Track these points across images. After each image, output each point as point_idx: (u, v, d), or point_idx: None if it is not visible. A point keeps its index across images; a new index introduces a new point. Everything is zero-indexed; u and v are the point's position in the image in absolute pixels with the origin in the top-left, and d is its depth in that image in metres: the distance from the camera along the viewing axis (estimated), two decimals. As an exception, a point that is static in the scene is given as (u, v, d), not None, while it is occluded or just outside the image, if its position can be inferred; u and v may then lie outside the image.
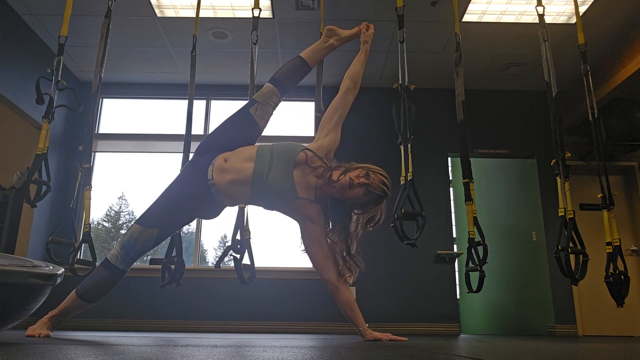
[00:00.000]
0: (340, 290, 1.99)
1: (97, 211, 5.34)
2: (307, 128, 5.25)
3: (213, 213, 2.09)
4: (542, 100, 3.39)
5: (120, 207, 5.48)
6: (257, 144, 2.13)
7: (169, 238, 2.91)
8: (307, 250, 2.02)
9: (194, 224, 4.95)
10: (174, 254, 2.93)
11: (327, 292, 2.01)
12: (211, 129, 5.19)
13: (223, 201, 2.04)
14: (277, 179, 1.94)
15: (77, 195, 3.13)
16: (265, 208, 2.05)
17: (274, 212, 2.06)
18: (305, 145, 2.06)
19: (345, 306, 2.00)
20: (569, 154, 2.78)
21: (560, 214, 2.72)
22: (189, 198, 2.00)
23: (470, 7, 4.00)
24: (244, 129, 2.13)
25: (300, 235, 2.04)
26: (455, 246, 5.55)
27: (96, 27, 3.44)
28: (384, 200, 2.01)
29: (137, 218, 2.02)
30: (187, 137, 3.21)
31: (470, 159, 2.92)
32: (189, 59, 3.32)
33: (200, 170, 2.00)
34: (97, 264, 3.05)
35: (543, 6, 3.04)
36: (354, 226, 2.03)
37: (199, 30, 3.57)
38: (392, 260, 4.66)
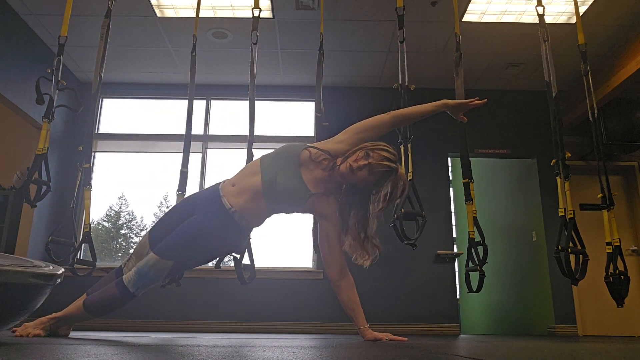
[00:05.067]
0: (341, 289, 2.00)
1: (97, 211, 5.34)
2: (307, 128, 5.25)
3: (241, 242, 2.11)
4: (542, 100, 3.39)
5: (120, 207, 5.47)
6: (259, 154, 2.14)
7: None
8: (319, 244, 2.07)
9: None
10: (174, 254, 2.92)
11: (326, 292, 2.02)
12: (211, 129, 5.23)
13: (248, 223, 2.02)
14: (287, 182, 1.94)
15: (77, 195, 3.13)
16: (286, 213, 2.07)
17: (294, 214, 2.09)
18: (308, 144, 2.07)
19: (346, 305, 2.01)
20: (569, 154, 2.78)
21: (560, 214, 2.72)
22: (215, 234, 1.94)
23: (470, 7, 4.00)
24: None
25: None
26: (455, 246, 5.55)
27: (96, 27, 3.44)
28: (397, 172, 1.94)
29: (156, 247, 1.93)
30: (187, 137, 3.21)
31: (470, 159, 2.92)
32: (189, 59, 3.32)
33: (214, 205, 1.97)
34: (97, 264, 3.07)
35: (543, 6, 3.04)
36: (373, 206, 1.97)
37: (199, 30, 3.57)
38: (392, 260, 4.66)
